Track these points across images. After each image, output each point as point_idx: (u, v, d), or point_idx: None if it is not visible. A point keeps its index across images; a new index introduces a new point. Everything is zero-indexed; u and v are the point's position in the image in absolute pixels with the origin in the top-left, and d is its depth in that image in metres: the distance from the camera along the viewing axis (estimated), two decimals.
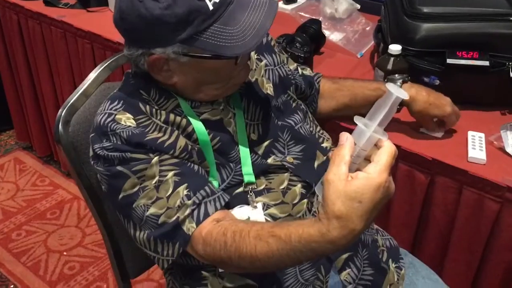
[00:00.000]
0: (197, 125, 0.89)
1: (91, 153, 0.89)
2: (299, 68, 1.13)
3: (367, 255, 1.00)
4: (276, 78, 1.03)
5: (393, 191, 0.66)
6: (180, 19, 0.77)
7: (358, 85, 1.16)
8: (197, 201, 0.84)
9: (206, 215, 0.83)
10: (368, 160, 0.66)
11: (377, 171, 0.63)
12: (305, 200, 0.95)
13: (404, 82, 1.16)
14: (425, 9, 1.25)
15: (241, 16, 0.80)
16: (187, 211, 0.83)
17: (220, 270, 0.92)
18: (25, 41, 1.99)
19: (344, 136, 0.67)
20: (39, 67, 1.99)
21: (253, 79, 0.99)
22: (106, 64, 1.08)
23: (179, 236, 0.83)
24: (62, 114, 1.01)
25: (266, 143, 0.96)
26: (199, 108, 0.91)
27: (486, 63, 1.19)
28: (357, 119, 0.67)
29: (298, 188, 0.94)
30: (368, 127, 0.66)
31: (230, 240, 0.77)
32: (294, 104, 1.04)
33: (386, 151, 0.65)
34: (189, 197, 0.84)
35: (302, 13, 1.70)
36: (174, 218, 0.83)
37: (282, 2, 1.93)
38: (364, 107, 1.05)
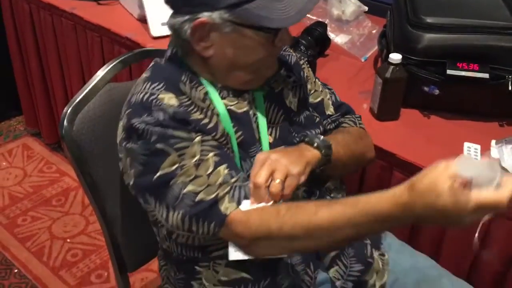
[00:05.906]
0: (224, 115, 0.91)
1: (120, 131, 0.89)
2: (325, 98, 1.10)
3: (353, 253, 1.02)
4: (303, 93, 1.04)
5: (463, 226, 0.70)
6: None
7: None
8: (238, 183, 0.86)
9: (246, 197, 0.85)
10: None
11: (487, 201, 0.67)
12: None
13: None
14: (429, 19, 1.27)
15: None
16: (227, 189, 0.85)
17: (217, 262, 0.94)
18: (36, 31, 2.02)
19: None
20: (49, 56, 2.02)
21: (279, 88, 1.00)
22: (113, 64, 1.10)
23: (215, 215, 0.84)
24: (68, 111, 1.03)
25: (280, 148, 0.96)
26: (225, 99, 0.92)
27: (486, 75, 1.21)
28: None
29: (300, 192, 0.96)
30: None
31: (284, 209, 0.80)
32: (317, 119, 1.05)
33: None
34: (231, 176, 0.86)
35: (309, 15, 1.71)
36: (213, 195, 0.84)
37: None
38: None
